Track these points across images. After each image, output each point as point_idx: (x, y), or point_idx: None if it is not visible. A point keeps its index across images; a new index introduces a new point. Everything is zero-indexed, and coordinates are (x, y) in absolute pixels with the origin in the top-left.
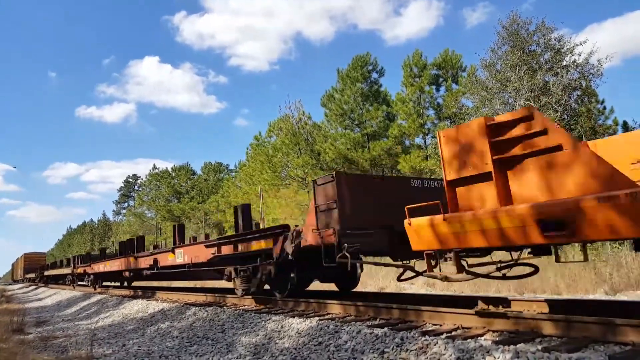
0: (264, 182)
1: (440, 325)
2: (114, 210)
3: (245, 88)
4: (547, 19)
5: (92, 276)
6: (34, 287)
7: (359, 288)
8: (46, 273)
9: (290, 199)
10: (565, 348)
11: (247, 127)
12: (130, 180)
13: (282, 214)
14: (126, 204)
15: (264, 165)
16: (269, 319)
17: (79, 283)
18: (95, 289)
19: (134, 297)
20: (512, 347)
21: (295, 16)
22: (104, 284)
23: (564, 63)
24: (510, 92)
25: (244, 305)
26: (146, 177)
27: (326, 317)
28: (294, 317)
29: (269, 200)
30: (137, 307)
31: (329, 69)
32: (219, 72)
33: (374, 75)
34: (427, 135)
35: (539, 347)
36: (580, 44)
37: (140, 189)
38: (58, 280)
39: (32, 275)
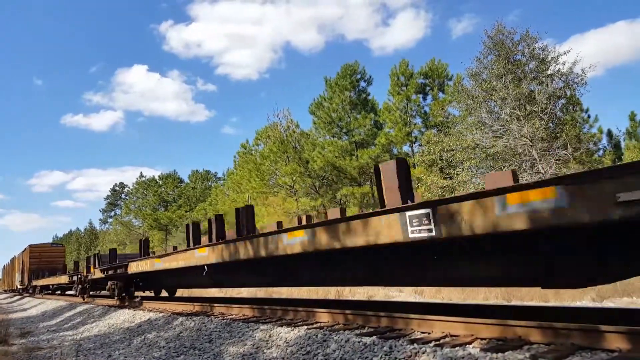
0: (252, 190)
1: (429, 333)
2: (100, 219)
3: (234, 96)
4: (531, 29)
5: None
6: (18, 297)
7: (347, 296)
8: (131, 270)
9: (279, 207)
10: (552, 356)
11: (236, 135)
12: (117, 188)
13: (271, 221)
14: (113, 213)
15: (252, 173)
16: (257, 328)
17: None
18: None
19: (121, 306)
20: (500, 354)
21: (284, 26)
22: None
23: (549, 72)
24: (496, 101)
25: (232, 315)
26: (133, 186)
27: (314, 325)
28: (282, 326)
29: (258, 208)
30: (124, 317)
31: (317, 78)
32: (208, 80)
33: (362, 84)
34: (414, 143)
35: (527, 355)
36: (564, 54)
37: (127, 197)
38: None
39: (47, 281)
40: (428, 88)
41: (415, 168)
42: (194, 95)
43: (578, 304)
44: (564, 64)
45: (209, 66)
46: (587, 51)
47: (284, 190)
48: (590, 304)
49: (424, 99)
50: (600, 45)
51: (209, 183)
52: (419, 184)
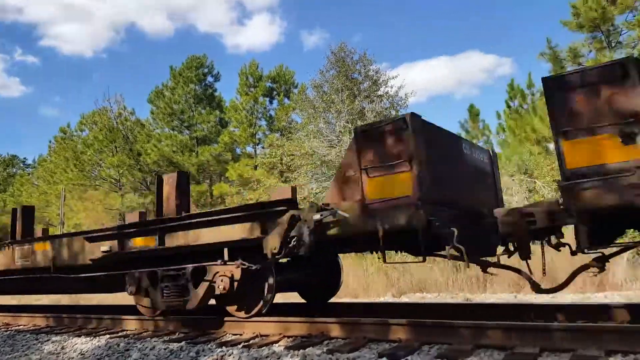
0: (67, 182)
1: (240, 335)
2: None
3: (60, 74)
4: (369, 52)
5: None
6: None
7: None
8: None
9: (99, 202)
10: (347, 349)
11: (57, 118)
12: None
13: (87, 218)
14: None
15: (69, 162)
16: (48, 340)
17: None
18: None
19: None
20: (300, 351)
21: (130, 5)
22: None
23: (379, 93)
24: (333, 113)
25: (20, 325)
26: None
27: (119, 334)
28: (79, 336)
29: (72, 202)
30: None
31: (164, 67)
32: (28, 51)
33: (210, 78)
34: (258, 145)
35: (324, 350)
36: (393, 78)
37: None
38: None
39: None
40: (275, 92)
41: (256, 170)
42: (8, 67)
43: (382, 299)
44: (392, 87)
45: (31, 36)
46: (414, 78)
47: (107, 183)
48: (391, 299)
49: (271, 102)
50: (425, 74)
51: (14, 170)
52: (259, 186)
